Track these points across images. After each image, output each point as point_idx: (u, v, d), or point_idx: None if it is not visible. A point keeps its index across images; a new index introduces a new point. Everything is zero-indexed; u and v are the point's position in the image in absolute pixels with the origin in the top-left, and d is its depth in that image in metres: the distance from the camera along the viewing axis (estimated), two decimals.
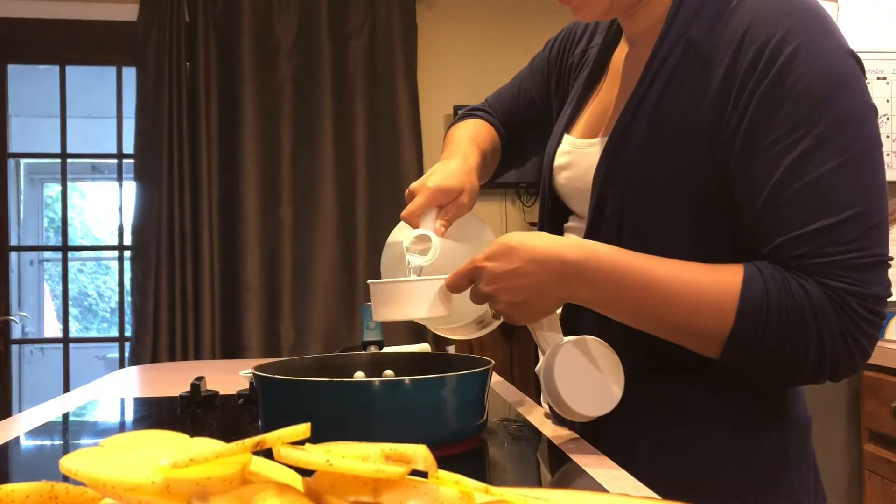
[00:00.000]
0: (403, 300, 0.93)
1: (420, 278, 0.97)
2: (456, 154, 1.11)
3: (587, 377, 0.86)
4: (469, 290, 0.92)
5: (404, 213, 1.04)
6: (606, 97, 1.02)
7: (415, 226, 1.03)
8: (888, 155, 2.21)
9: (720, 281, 0.81)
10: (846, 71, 0.80)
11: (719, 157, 0.84)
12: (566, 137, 1.06)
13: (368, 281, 0.98)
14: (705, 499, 0.73)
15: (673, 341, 0.86)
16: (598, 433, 0.94)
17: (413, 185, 1.06)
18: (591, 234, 0.95)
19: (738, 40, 0.83)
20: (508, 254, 0.86)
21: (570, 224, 1.07)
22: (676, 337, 0.85)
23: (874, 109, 0.82)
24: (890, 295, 0.80)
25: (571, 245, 0.87)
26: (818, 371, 0.80)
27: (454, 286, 0.92)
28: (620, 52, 1.03)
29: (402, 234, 1.05)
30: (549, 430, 0.98)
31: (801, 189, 0.78)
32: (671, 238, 0.88)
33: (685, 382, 0.91)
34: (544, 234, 0.90)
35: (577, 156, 1.02)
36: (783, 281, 0.79)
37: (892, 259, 0.81)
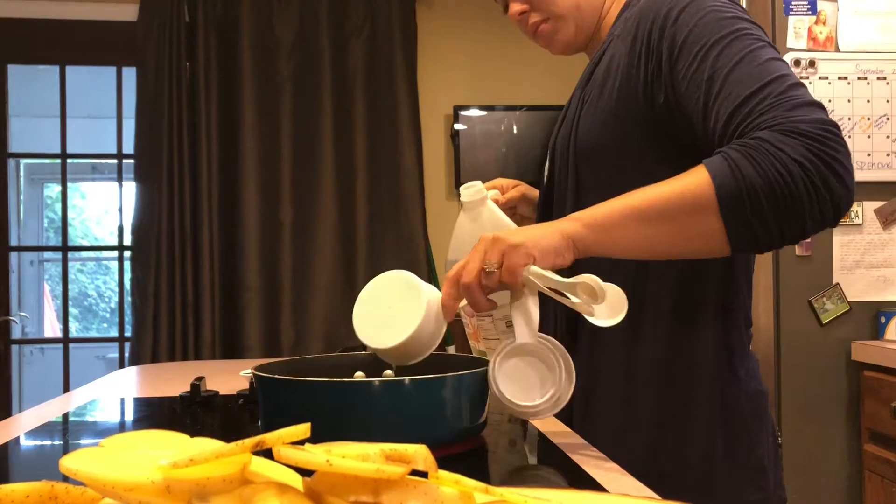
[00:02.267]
0: (408, 352, 0.91)
1: (415, 333, 0.90)
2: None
3: (527, 378, 0.87)
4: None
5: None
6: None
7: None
8: (888, 155, 2.21)
9: (688, 177, 0.88)
10: (728, 4, 0.96)
11: (653, 97, 0.98)
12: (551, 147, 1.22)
13: (369, 347, 0.94)
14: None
15: (680, 254, 0.92)
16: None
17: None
18: (544, 203, 1.13)
19: (644, 20, 1.00)
20: (493, 236, 0.88)
21: None
22: (679, 244, 0.90)
23: (761, 28, 0.96)
24: (834, 123, 0.86)
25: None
26: (817, 201, 0.83)
27: (448, 299, 0.90)
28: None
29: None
30: (550, 430, 0.98)
31: (728, 74, 0.90)
32: (612, 190, 0.93)
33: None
34: None
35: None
36: (739, 144, 0.86)
37: (806, 87, 0.90)
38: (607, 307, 0.87)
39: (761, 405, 1.06)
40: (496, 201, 1.14)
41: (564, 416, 1.02)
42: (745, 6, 2.21)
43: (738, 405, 1.04)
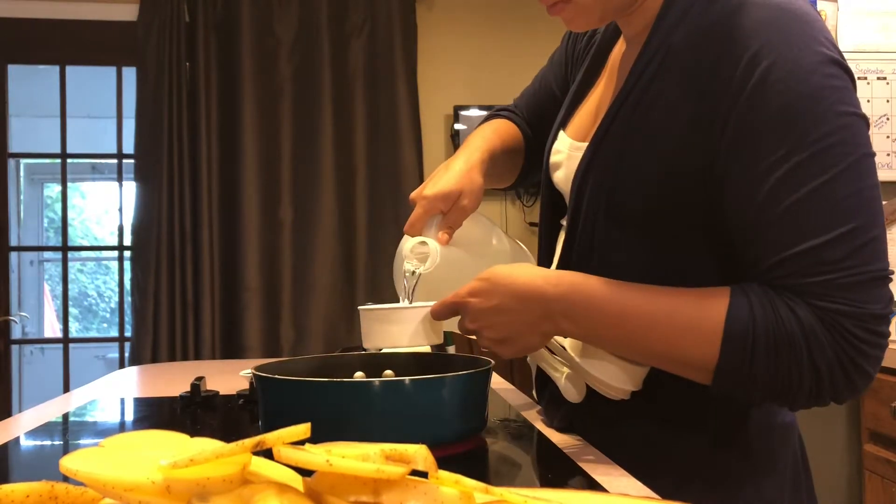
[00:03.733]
0: (388, 328, 0.94)
1: (405, 306, 0.95)
2: (459, 154, 1.09)
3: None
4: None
5: (406, 226, 1.03)
6: (600, 97, 1.00)
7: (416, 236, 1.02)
8: (888, 155, 2.21)
9: (704, 308, 0.78)
10: (828, 82, 0.75)
11: (695, 177, 0.81)
12: (561, 134, 1.04)
13: (359, 308, 0.98)
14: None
15: (663, 369, 0.84)
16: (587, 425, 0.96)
17: (412, 195, 1.05)
18: (567, 242, 0.95)
19: (715, 52, 0.79)
20: (490, 290, 0.86)
21: (563, 220, 1.05)
22: (665, 365, 0.84)
23: (862, 119, 0.77)
24: (891, 312, 0.75)
25: (552, 278, 0.85)
26: (816, 396, 0.76)
27: (438, 315, 0.92)
28: (619, 48, 1.00)
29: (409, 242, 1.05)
30: (549, 430, 0.98)
31: (787, 210, 0.74)
32: (642, 255, 0.87)
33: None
34: (527, 267, 0.89)
35: (568, 157, 1.00)
36: (771, 305, 0.75)
37: (892, 273, 0.76)
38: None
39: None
40: (445, 234, 1.04)
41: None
42: None
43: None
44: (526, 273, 0.87)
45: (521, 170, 1.25)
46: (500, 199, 3.44)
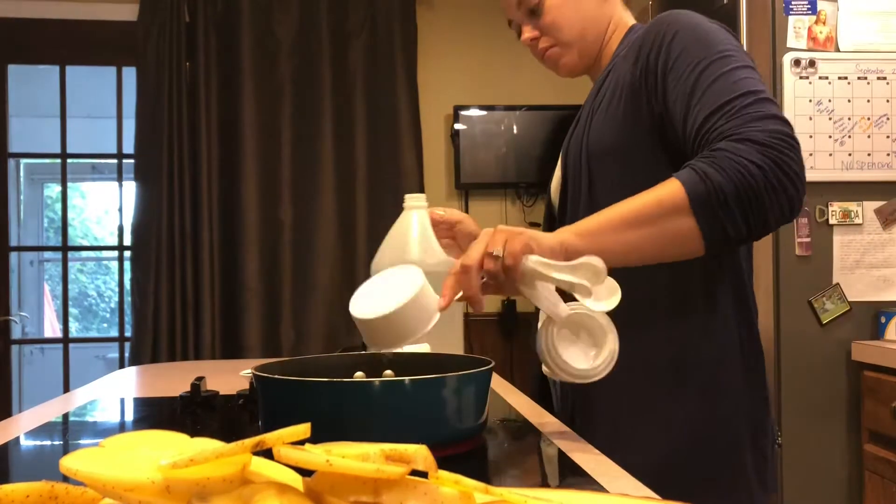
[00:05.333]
0: (390, 330, 0.95)
1: (396, 305, 0.95)
2: None
3: (578, 344, 0.93)
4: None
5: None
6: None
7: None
8: (888, 155, 2.21)
9: (663, 187, 0.97)
10: (717, 27, 1.10)
11: (653, 108, 1.10)
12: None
13: (354, 316, 0.99)
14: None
15: (662, 256, 0.99)
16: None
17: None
18: (563, 196, 1.20)
19: (639, 41, 1.14)
20: (496, 228, 0.95)
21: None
22: (660, 246, 0.98)
23: (742, 49, 1.09)
24: (787, 133, 0.96)
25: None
26: (775, 193, 0.94)
27: (444, 295, 0.94)
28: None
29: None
30: (549, 429, 0.98)
31: (705, 90, 1.03)
32: (628, 184, 1.04)
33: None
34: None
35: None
36: (703, 156, 0.97)
37: (775, 102, 1.01)
38: (605, 291, 0.92)
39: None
40: (436, 217, 1.35)
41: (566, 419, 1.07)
42: (745, 6, 2.21)
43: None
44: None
45: None
46: (500, 198, 3.44)
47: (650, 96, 1.11)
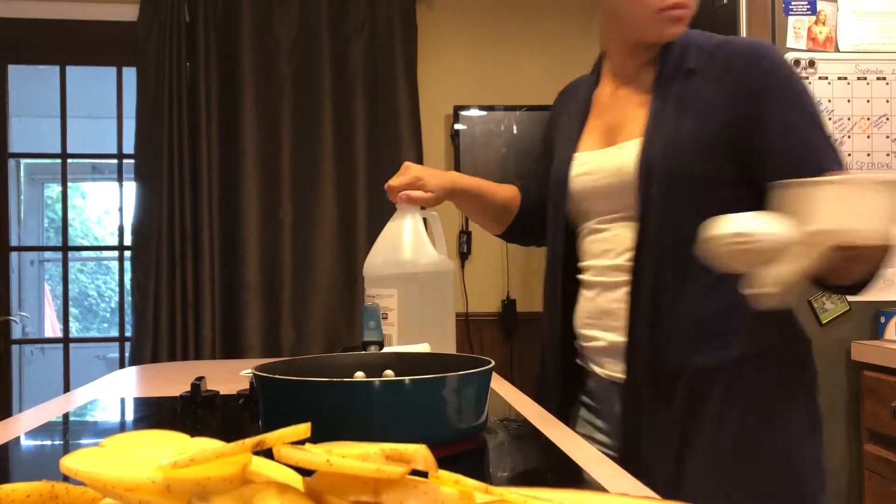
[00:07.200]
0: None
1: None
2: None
3: None
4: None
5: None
6: (606, 119, 1.31)
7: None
8: (888, 155, 2.21)
9: None
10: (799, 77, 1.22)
11: (739, 141, 1.16)
12: (576, 156, 1.31)
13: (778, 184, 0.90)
14: None
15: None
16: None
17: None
18: (642, 214, 1.19)
19: (740, 66, 1.18)
20: None
21: (592, 225, 1.29)
22: None
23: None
24: None
25: None
26: None
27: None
28: (602, 89, 1.36)
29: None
30: (549, 430, 0.98)
31: (798, 148, 1.14)
32: (701, 211, 1.06)
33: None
34: None
35: (598, 159, 1.27)
36: None
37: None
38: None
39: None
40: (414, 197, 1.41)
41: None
42: (745, 6, 2.21)
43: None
44: None
45: (510, 226, 1.54)
46: None
47: (742, 125, 1.16)
